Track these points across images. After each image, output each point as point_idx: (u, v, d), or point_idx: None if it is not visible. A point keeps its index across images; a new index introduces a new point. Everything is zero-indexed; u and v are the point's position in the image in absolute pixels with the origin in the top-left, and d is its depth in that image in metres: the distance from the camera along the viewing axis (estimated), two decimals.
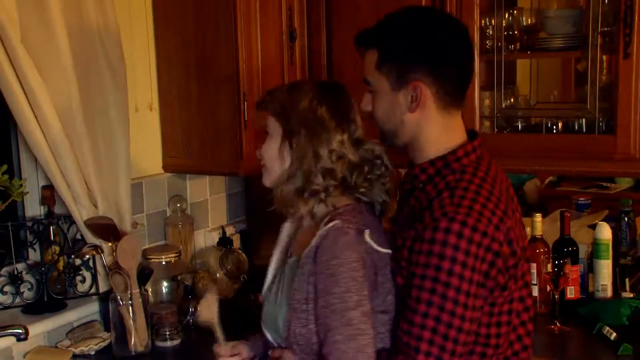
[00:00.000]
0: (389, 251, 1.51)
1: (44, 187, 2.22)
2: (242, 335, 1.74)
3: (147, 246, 2.49)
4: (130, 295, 2.05)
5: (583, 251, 2.37)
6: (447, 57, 1.46)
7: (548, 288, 2.19)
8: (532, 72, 2.39)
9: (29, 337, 1.84)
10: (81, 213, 2.12)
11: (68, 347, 2.07)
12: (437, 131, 1.48)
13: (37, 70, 1.95)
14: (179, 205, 2.59)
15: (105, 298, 2.14)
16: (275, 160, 1.57)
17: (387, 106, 1.49)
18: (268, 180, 1.61)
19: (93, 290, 2.21)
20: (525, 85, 2.40)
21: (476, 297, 1.36)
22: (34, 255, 2.25)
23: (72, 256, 2.18)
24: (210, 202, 2.78)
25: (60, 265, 2.21)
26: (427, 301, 1.35)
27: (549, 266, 2.15)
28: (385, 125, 1.51)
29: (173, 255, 2.42)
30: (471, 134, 1.54)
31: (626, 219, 2.67)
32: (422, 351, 1.35)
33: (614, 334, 2.01)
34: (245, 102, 2.31)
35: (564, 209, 2.54)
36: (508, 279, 1.42)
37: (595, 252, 2.34)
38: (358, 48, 1.54)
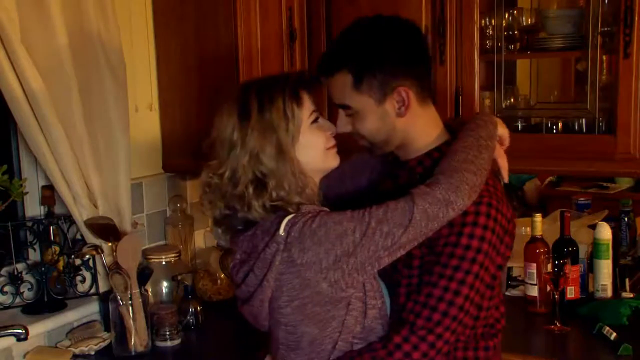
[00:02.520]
0: None
1: (44, 187, 2.22)
2: (241, 337, 1.72)
3: (147, 246, 2.49)
4: (130, 295, 2.05)
5: (583, 251, 2.36)
6: (417, 55, 1.49)
7: (548, 288, 2.18)
8: (532, 72, 2.39)
9: (29, 337, 1.83)
10: (81, 213, 2.12)
11: (68, 347, 2.07)
12: (423, 125, 1.51)
13: (37, 70, 1.95)
14: (179, 205, 2.59)
15: (105, 298, 2.14)
16: None
17: (377, 121, 1.47)
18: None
19: (93, 290, 2.21)
20: (525, 85, 2.39)
21: (486, 269, 1.39)
22: (34, 255, 2.25)
23: (72, 256, 2.18)
24: None
25: (60, 265, 2.21)
26: (440, 274, 1.37)
27: (549, 266, 2.14)
28: (377, 138, 1.51)
29: (173, 255, 2.42)
30: (447, 126, 1.57)
31: (626, 219, 2.67)
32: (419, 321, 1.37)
33: (614, 334, 2.01)
34: None
35: (564, 209, 2.54)
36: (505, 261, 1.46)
37: (595, 252, 2.33)
38: (320, 78, 1.49)
